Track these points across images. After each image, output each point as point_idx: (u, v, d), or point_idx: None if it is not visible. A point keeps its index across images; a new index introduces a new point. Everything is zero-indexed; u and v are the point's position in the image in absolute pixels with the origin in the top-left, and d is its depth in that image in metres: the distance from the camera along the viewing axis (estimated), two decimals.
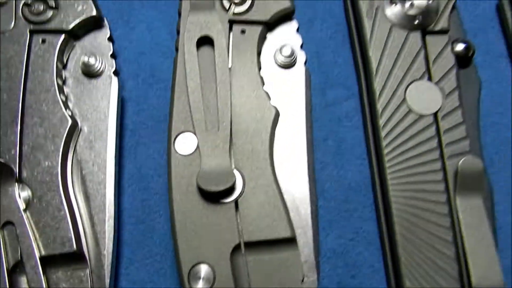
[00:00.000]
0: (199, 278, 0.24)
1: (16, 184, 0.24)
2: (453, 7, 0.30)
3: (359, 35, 0.29)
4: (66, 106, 0.26)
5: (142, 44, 0.31)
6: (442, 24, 0.29)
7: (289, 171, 0.27)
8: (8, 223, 0.24)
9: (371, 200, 0.29)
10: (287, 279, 0.25)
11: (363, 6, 0.29)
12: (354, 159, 0.30)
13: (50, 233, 0.24)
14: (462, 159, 0.26)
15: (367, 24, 0.29)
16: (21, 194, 0.24)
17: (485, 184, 0.27)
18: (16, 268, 0.23)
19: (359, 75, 0.30)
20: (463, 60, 0.29)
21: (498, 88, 0.32)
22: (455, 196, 0.26)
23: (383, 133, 0.27)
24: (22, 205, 0.24)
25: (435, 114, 0.27)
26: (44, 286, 0.22)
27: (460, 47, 0.29)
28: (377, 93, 0.28)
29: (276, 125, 0.27)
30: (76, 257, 0.24)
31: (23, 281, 0.23)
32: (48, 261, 0.23)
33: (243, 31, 0.28)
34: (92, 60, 0.27)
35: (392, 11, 0.29)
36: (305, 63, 0.29)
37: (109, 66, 0.28)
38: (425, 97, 0.27)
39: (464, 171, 0.25)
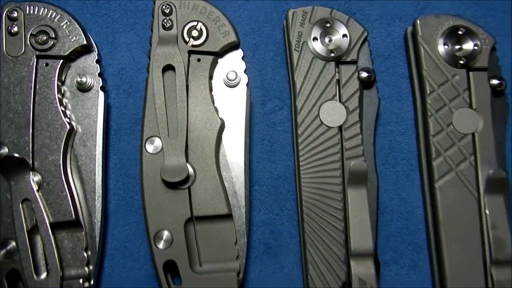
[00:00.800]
0: (161, 239, 0.34)
1: (31, 172, 0.34)
2: (365, 40, 0.39)
3: (290, 63, 0.38)
4: (65, 115, 0.35)
5: (123, 61, 0.40)
6: (352, 56, 0.38)
7: (231, 164, 0.37)
8: (26, 199, 0.33)
9: (294, 187, 0.39)
10: (225, 242, 0.35)
11: (293, 40, 0.38)
12: (283, 156, 0.39)
13: (56, 207, 0.34)
14: (352, 163, 0.35)
15: (295, 55, 0.37)
16: (34, 179, 0.34)
17: (371, 178, 0.37)
18: (33, 230, 0.33)
19: (290, 91, 0.39)
20: (367, 84, 0.38)
21: (398, 102, 0.41)
22: (347, 187, 0.36)
23: (300, 139, 0.37)
24: (35, 187, 0.33)
25: (340, 127, 0.37)
26: (53, 243, 0.33)
27: (364, 74, 0.38)
28: (298, 109, 0.37)
29: (222, 133, 0.36)
30: (75, 224, 0.34)
31: (38, 239, 0.33)
32: (55, 226, 0.34)
33: (198, 60, 0.37)
34: (84, 79, 0.36)
35: (314, 46, 0.38)
36: (247, 84, 0.38)
37: (97, 82, 0.37)
38: (333, 114, 0.37)
39: (353, 170, 0.35)
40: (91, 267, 0.34)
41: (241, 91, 0.37)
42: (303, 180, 0.36)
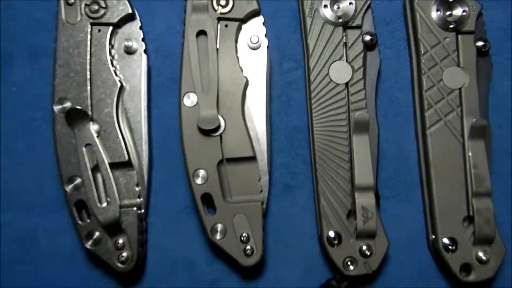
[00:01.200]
0: (199, 176, 0.41)
1: (90, 122, 0.41)
2: (368, 7, 0.44)
3: (304, 28, 0.44)
4: (116, 74, 0.42)
5: (160, 27, 0.46)
6: (357, 21, 0.44)
7: (255, 116, 0.43)
8: (88, 144, 0.40)
9: (307, 136, 0.46)
10: (250, 179, 0.42)
11: (306, 8, 0.43)
12: (298, 110, 0.46)
13: (112, 150, 0.41)
14: (357, 113, 0.42)
15: (308, 21, 0.43)
16: (94, 128, 0.41)
17: (373, 127, 0.43)
18: (94, 168, 0.40)
19: (304, 53, 0.45)
20: (370, 46, 0.44)
21: (397, 62, 0.47)
22: (352, 134, 0.42)
23: (313, 94, 0.43)
24: (95, 134, 0.40)
25: (346, 84, 0.43)
26: (111, 178, 0.40)
27: (367, 38, 0.44)
28: (311, 68, 0.43)
29: (246, 89, 0.43)
30: (127, 164, 0.41)
31: (99, 176, 0.40)
32: (111, 166, 0.41)
33: (226, 25, 0.43)
34: (130, 43, 0.42)
35: (325, 12, 0.43)
36: (267, 46, 0.44)
37: (140, 46, 0.43)
38: (341, 72, 0.43)
39: (357, 120, 0.42)
40: (141, 199, 0.41)
41: (262, 53, 0.44)
42: (315, 129, 0.43)
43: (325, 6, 0.43)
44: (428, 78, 0.43)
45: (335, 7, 0.43)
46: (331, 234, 0.42)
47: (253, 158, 0.42)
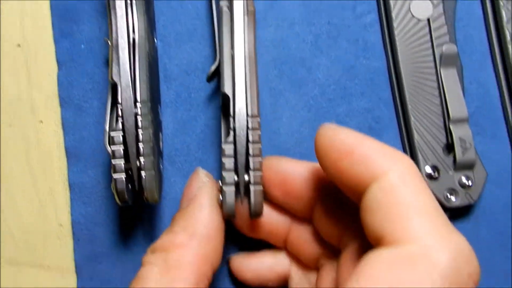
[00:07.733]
0: None
1: None
2: None
3: None
4: None
5: None
6: None
7: None
8: None
9: (387, 78, 0.45)
10: None
11: None
12: (376, 52, 0.45)
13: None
14: (444, 46, 0.42)
15: None
16: None
17: (458, 62, 0.43)
18: None
19: None
20: None
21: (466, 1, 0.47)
22: (440, 68, 0.42)
23: (396, 32, 0.43)
24: None
25: (428, 20, 0.43)
26: None
27: None
28: (392, 6, 0.43)
29: None
30: None
31: None
32: None
33: None
34: None
35: None
36: None
37: None
38: (422, 8, 0.43)
39: (446, 53, 0.42)
40: None
41: None
42: (402, 66, 0.43)
43: None
44: (508, 10, 0.44)
45: None
46: (428, 169, 0.41)
47: None
